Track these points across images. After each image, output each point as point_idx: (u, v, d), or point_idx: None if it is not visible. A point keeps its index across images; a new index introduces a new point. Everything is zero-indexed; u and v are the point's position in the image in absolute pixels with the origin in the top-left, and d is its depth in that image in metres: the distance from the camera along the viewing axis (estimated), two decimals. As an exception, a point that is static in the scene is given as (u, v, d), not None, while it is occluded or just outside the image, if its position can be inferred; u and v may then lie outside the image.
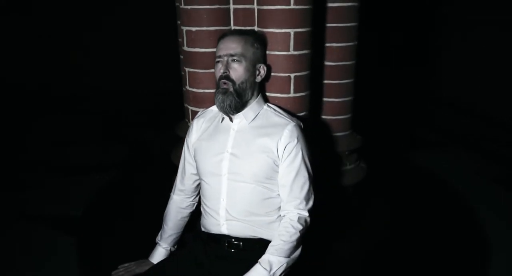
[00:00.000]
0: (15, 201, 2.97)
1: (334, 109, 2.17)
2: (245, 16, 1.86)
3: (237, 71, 1.54)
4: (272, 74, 1.81)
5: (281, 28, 1.74)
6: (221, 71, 1.55)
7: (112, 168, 3.48)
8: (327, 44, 2.06)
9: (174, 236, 1.81)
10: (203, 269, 1.58)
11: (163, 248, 1.80)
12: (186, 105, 2.10)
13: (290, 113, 1.72)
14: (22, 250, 2.43)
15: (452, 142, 4.29)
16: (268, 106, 1.65)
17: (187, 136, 1.71)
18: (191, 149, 1.69)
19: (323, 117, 2.19)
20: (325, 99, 2.15)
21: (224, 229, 1.58)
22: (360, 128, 2.45)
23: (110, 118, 4.96)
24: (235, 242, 1.57)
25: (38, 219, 2.71)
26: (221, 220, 1.58)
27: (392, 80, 5.84)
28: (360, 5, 2.06)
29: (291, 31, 1.74)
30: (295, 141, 1.54)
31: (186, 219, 1.82)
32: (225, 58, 1.55)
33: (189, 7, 1.84)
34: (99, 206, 2.83)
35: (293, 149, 1.54)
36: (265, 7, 1.76)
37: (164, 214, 1.81)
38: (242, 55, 1.55)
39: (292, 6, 1.71)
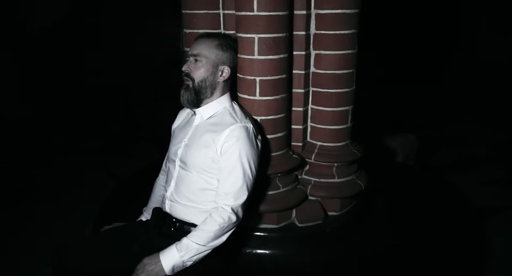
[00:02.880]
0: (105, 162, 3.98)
1: (324, 118, 2.08)
2: (230, 20, 1.98)
3: (197, 70, 1.72)
4: (241, 76, 1.90)
5: (246, 33, 1.81)
6: (183, 68, 1.75)
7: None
8: (316, 51, 2.00)
9: None
10: (146, 239, 1.78)
11: (145, 217, 2.07)
12: None
13: (248, 115, 1.79)
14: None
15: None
16: (231, 105, 1.77)
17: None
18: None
19: (312, 124, 2.13)
20: (313, 106, 2.09)
21: (167, 208, 1.79)
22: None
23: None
24: (175, 222, 1.76)
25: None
26: (166, 200, 1.80)
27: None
28: (357, 12, 1.94)
29: (255, 36, 1.80)
30: (233, 140, 1.64)
31: None
32: (190, 58, 1.75)
33: (184, 11, 2.05)
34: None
35: (229, 148, 1.65)
36: (237, 13, 1.86)
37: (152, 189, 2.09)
38: (204, 56, 1.72)
39: (255, 13, 1.77)
